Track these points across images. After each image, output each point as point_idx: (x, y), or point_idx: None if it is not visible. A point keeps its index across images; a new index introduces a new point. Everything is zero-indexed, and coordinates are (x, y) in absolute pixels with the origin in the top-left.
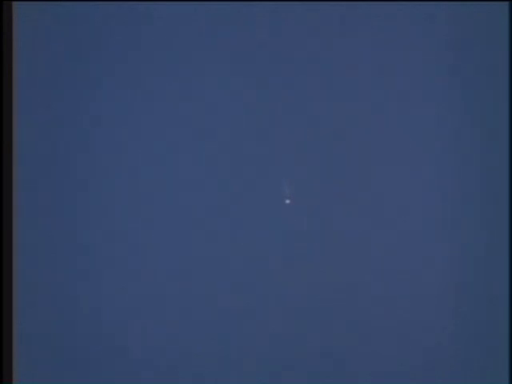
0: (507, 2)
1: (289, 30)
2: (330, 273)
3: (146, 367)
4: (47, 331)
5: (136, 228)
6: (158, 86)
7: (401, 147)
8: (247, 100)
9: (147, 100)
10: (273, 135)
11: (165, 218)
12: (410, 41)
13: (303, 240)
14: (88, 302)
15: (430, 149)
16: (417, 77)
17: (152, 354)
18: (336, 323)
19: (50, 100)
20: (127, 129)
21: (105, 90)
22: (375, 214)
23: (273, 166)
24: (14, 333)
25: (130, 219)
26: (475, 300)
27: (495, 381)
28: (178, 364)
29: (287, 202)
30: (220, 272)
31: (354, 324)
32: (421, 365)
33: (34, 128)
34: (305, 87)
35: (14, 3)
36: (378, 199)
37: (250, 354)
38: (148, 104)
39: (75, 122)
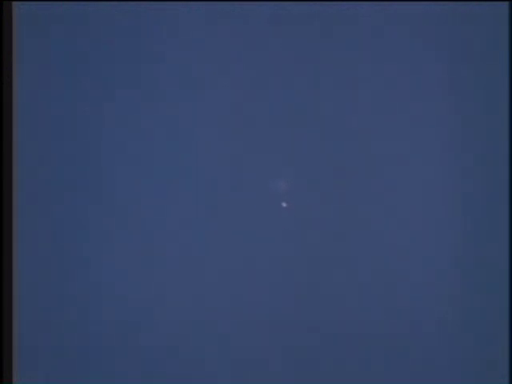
0: (507, 2)
1: (288, 32)
2: (330, 273)
3: (146, 367)
4: (47, 331)
5: (137, 228)
6: (160, 87)
7: (400, 148)
8: (247, 101)
9: (150, 100)
10: (272, 137)
11: (165, 217)
12: (409, 40)
13: (302, 242)
14: (88, 303)
15: (430, 149)
16: (415, 77)
17: (152, 354)
18: (336, 323)
19: (51, 100)
20: (128, 129)
21: (106, 91)
22: (375, 214)
23: (272, 169)
24: (14, 333)
25: (131, 219)
26: (475, 300)
27: (495, 381)
28: (179, 365)
29: (284, 204)
30: (219, 273)
31: (353, 324)
32: (420, 365)
33: (34, 128)
34: (304, 88)
35: (13, 3)
36: (377, 199)
37: (250, 355)
38: (150, 105)
39: (75, 123)
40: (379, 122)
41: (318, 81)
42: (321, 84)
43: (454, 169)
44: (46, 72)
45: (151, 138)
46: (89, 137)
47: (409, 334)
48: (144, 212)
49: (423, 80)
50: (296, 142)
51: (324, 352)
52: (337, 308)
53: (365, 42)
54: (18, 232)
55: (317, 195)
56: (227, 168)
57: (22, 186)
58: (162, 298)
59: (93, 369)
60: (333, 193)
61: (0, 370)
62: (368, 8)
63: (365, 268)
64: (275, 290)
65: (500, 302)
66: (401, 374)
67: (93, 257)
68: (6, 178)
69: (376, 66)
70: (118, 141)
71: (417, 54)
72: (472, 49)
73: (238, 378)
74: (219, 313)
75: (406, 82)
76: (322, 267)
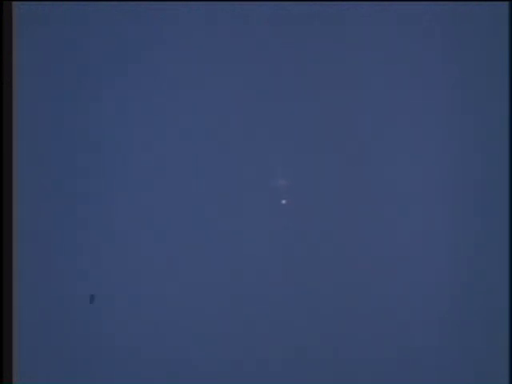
0: (507, 2)
1: (288, 32)
2: (328, 273)
3: (146, 367)
4: (47, 331)
5: (136, 228)
6: (161, 87)
7: (400, 147)
8: (247, 101)
9: (150, 101)
10: (271, 136)
11: (164, 217)
12: (409, 40)
13: (301, 240)
14: (88, 303)
15: (429, 149)
16: (415, 77)
17: (152, 354)
18: (335, 324)
19: (51, 101)
20: (128, 129)
21: (106, 91)
22: (374, 214)
23: (270, 166)
24: (14, 333)
25: (130, 219)
26: (475, 301)
27: (495, 381)
28: (178, 364)
29: (283, 201)
30: (218, 273)
31: (352, 324)
32: (420, 365)
33: (34, 129)
34: (304, 87)
35: (13, 3)
36: (376, 199)
37: (248, 355)
38: (151, 105)
39: (75, 123)
40: (379, 122)
41: (318, 80)
42: (320, 83)
43: (454, 169)
44: (46, 72)
45: (151, 137)
46: (88, 137)
47: (408, 335)
48: (143, 211)
49: (423, 80)
50: (296, 141)
51: (323, 352)
52: (335, 308)
53: (364, 42)
54: (18, 232)
55: (315, 195)
56: (227, 167)
57: (22, 186)
58: (164, 298)
59: (93, 369)
60: (332, 194)
61: (0, 370)
62: (368, 8)
63: (364, 268)
64: (275, 290)
65: (500, 302)
66: (401, 374)
67: (93, 257)
68: (5, 178)
69: (376, 66)
70: (118, 141)
71: (416, 53)
72: (472, 49)
73: (238, 378)
74: (220, 313)
75: (405, 83)
76: (320, 267)
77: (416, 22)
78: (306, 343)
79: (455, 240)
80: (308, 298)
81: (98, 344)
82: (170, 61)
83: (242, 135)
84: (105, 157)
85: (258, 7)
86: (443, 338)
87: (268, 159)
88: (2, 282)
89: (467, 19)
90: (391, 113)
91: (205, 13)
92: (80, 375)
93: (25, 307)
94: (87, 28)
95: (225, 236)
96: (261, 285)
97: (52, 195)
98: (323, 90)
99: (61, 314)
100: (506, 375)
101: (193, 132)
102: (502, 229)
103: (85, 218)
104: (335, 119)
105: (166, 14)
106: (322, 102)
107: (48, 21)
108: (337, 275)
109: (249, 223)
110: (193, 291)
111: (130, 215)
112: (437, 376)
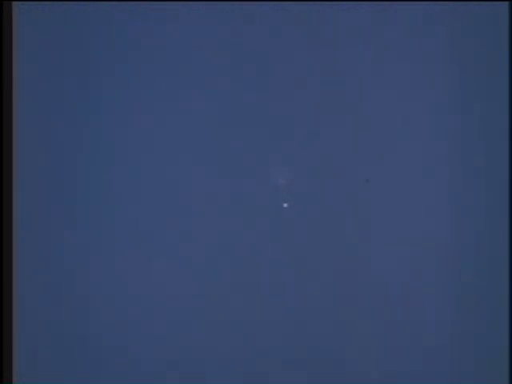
0: (507, 2)
1: (289, 32)
2: (328, 274)
3: (146, 367)
4: (47, 331)
5: (136, 227)
6: (160, 86)
7: (400, 148)
8: (247, 101)
9: (149, 100)
10: (272, 138)
11: (163, 216)
12: (409, 40)
13: (302, 243)
14: (89, 303)
15: (429, 150)
16: (415, 77)
17: (153, 353)
18: (334, 324)
19: (51, 100)
20: (128, 128)
21: (106, 90)
22: (374, 217)
23: (271, 169)
24: (14, 333)
25: (130, 219)
26: (475, 302)
27: (495, 381)
28: (178, 363)
29: (285, 205)
30: (217, 272)
31: (353, 325)
32: (420, 365)
33: (34, 129)
34: (304, 88)
35: (13, 3)
36: (376, 201)
37: (248, 355)
38: (150, 104)
39: (75, 123)
40: (377, 123)
41: (318, 80)
42: (320, 83)
43: (453, 170)
44: (47, 72)
45: (150, 138)
46: (88, 136)
47: (408, 335)
48: (143, 212)
49: (422, 80)
50: (296, 143)
51: (323, 352)
52: (332, 307)
53: (365, 42)
54: (18, 232)
55: (311, 200)
56: (225, 169)
57: (22, 186)
58: (163, 299)
59: (93, 369)
60: (329, 197)
61: (0, 370)
62: (368, 8)
63: (363, 271)
64: (273, 291)
65: (500, 301)
66: (400, 373)
67: (93, 257)
68: (5, 177)
69: (376, 65)
70: (117, 141)
71: (416, 53)
72: (472, 49)
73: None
74: (221, 309)
75: (405, 83)
76: (321, 266)
77: (415, 22)
78: (307, 344)
79: (455, 240)
80: (308, 299)
81: (99, 344)
82: (170, 61)
83: (241, 136)
84: (105, 156)
85: (258, 7)
86: (442, 338)
87: (268, 160)
88: (1, 282)
89: (467, 19)
90: (391, 113)
91: (205, 13)
92: (80, 375)
93: (25, 307)
94: (88, 28)
95: (225, 238)
96: (262, 286)
97: (52, 195)
98: (324, 90)
99: (61, 314)
100: (506, 375)
101: (193, 132)
102: (503, 228)
103: (85, 218)
104: (336, 119)
105: (165, 14)
106: (323, 101)
107: (48, 21)
108: (334, 275)
109: (248, 223)
110: (192, 290)
111: (130, 215)
112: (436, 376)
